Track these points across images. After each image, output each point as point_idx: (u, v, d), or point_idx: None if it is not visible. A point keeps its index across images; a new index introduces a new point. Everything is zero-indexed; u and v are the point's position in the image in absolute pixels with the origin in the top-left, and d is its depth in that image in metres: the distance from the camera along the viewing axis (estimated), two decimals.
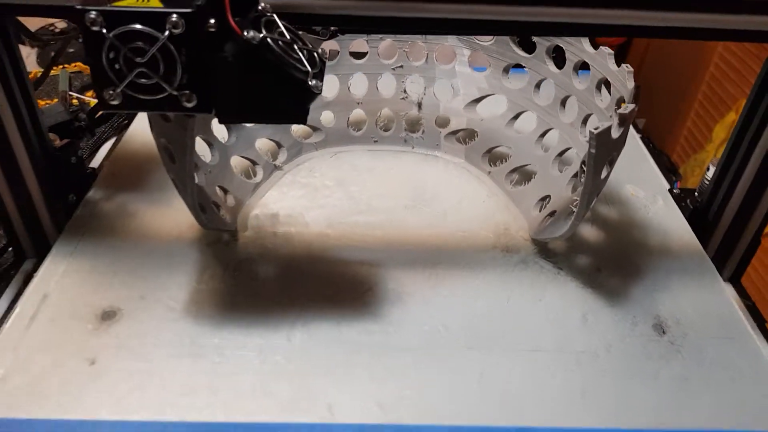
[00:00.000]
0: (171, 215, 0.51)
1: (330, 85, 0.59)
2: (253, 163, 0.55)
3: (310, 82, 0.31)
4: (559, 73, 0.52)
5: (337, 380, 0.39)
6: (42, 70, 0.89)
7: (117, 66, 0.30)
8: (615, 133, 0.39)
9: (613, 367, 0.41)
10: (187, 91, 0.30)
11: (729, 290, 0.52)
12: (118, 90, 0.30)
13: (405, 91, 0.60)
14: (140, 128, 0.63)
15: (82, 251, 0.48)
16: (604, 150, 0.39)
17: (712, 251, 0.54)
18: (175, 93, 0.30)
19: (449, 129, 0.60)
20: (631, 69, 0.44)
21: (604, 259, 0.50)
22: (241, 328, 0.42)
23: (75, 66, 0.91)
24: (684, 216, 0.55)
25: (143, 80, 0.30)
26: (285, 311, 0.44)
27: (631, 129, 0.73)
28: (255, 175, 0.55)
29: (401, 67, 0.59)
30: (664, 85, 1.69)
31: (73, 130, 0.77)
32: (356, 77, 0.59)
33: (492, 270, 0.48)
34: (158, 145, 0.41)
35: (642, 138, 0.73)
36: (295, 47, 0.31)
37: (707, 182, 0.54)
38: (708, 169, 0.55)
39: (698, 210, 0.55)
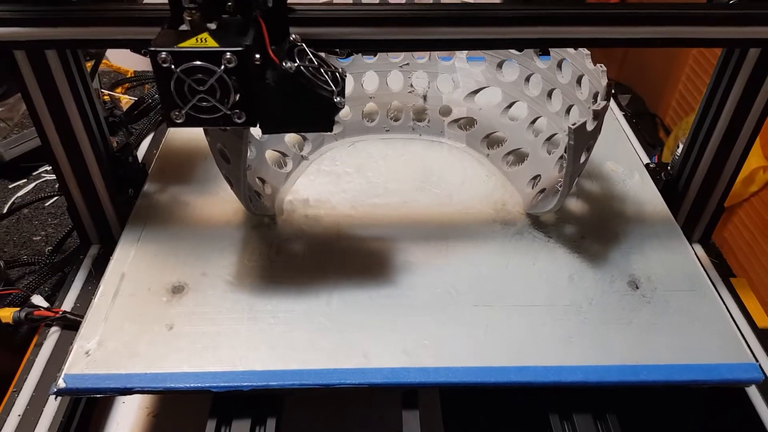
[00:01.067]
0: (217, 203, 0.60)
1: (346, 83, 0.67)
2: (283, 155, 0.63)
3: (335, 99, 0.40)
4: (545, 69, 0.60)
5: (370, 334, 0.48)
6: None
7: (181, 93, 0.37)
8: (590, 126, 0.47)
9: (594, 316, 0.50)
10: (238, 110, 0.38)
11: (699, 250, 0.62)
12: (183, 111, 0.37)
13: (411, 86, 0.68)
14: (177, 131, 0.70)
15: (147, 237, 0.56)
16: (581, 141, 0.48)
17: (683, 217, 0.63)
18: (228, 112, 0.38)
19: (451, 117, 0.68)
20: (605, 68, 0.52)
21: (588, 228, 0.58)
22: (288, 295, 0.51)
23: (102, 63, 0.98)
24: (657, 188, 0.63)
25: (203, 103, 0.37)
26: (322, 280, 0.53)
27: (615, 107, 0.81)
28: (286, 165, 0.63)
29: (407, 64, 0.67)
30: (656, 50, 1.76)
31: (109, 125, 0.85)
32: (368, 75, 0.67)
33: (492, 240, 0.57)
34: (212, 148, 0.50)
35: (625, 115, 0.82)
36: (322, 71, 0.40)
37: (677, 157, 0.62)
38: (678, 146, 0.63)
39: (670, 182, 0.63)
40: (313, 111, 0.41)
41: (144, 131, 0.80)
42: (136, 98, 0.87)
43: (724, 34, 0.46)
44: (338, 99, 0.40)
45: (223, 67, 0.36)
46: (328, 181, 0.63)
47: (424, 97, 0.69)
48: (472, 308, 0.51)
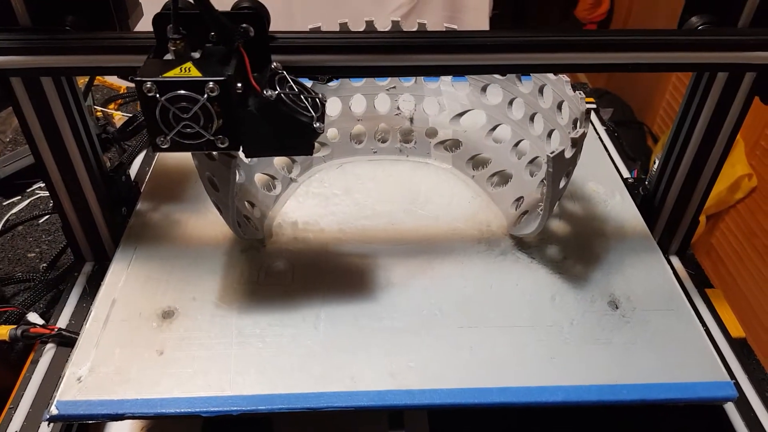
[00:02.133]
0: (208, 224, 0.61)
1: (334, 106, 0.68)
2: (272, 177, 0.65)
3: (314, 125, 0.41)
4: (527, 93, 0.61)
5: (357, 357, 0.50)
6: None
7: (166, 119, 0.38)
8: (568, 154, 0.49)
9: (575, 336, 0.52)
10: (221, 136, 0.39)
11: (676, 262, 0.64)
12: (168, 137, 0.39)
13: (398, 108, 0.70)
14: None
15: (139, 260, 0.57)
16: (560, 168, 0.49)
17: (660, 230, 0.64)
18: (211, 138, 0.39)
19: (437, 139, 0.70)
20: (583, 95, 0.54)
21: (570, 248, 0.60)
22: (276, 319, 0.52)
23: (96, 80, 0.99)
24: (635, 203, 0.65)
25: (187, 129, 0.39)
26: (310, 303, 0.54)
27: (597, 122, 0.83)
28: (275, 188, 0.64)
29: (394, 87, 0.69)
30: None
31: (102, 141, 0.86)
32: (356, 98, 0.69)
33: (478, 261, 0.58)
34: (201, 176, 0.51)
35: (607, 129, 0.83)
36: (302, 97, 0.41)
37: (653, 172, 0.64)
38: (655, 162, 0.64)
39: (647, 197, 0.65)
40: (294, 136, 0.42)
41: (136, 149, 0.81)
42: (129, 114, 0.88)
43: (693, 59, 0.47)
44: (318, 124, 0.42)
45: (206, 95, 0.37)
46: (316, 203, 0.64)
47: (411, 120, 0.70)
48: (457, 329, 0.52)
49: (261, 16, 0.42)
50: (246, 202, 0.59)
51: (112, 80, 1.03)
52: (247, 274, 0.56)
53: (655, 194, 0.64)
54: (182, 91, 0.37)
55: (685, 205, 0.62)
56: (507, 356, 0.50)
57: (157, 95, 0.37)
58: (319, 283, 0.56)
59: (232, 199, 0.50)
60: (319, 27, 0.62)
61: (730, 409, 0.53)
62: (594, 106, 0.90)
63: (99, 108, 0.91)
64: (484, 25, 1.36)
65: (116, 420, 0.47)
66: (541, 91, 0.60)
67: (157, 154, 0.71)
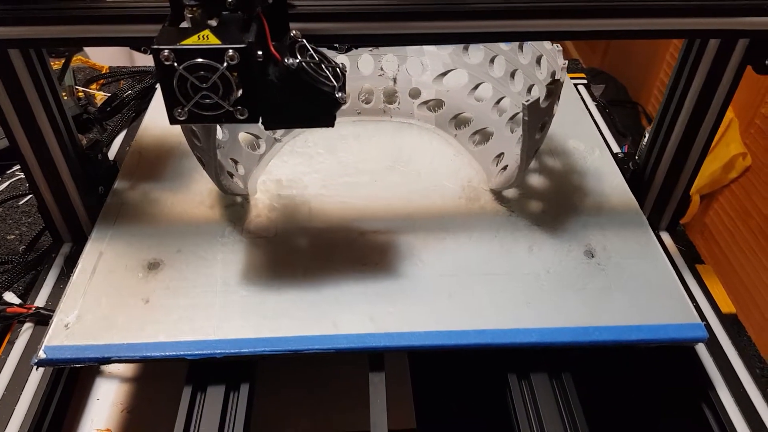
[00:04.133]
0: (191, 195, 0.61)
1: None
2: (257, 137, 0.65)
3: (336, 95, 0.40)
4: (508, 50, 0.62)
5: (339, 304, 0.51)
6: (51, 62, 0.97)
7: (184, 90, 0.37)
8: (543, 104, 0.50)
9: (551, 283, 0.53)
10: (240, 107, 0.38)
11: (666, 238, 0.64)
12: (186, 109, 0.38)
13: (382, 69, 0.70)
14: (150, 125, 0.71)
15: (122, 223, 0.58)
16: (535, 117, 0.50)
17: (650, 206, 0.64)
18: (230, 109, 0.38)
19: (421, 99, 0.71)
20: (560, 48, 0.54)
21: (549, 202, 0.61)
22: (261, 270, 0.54)
23: (77, 60, 0.99)
24: (625, 178, 0.65)
25: (206, 100, 0.38)
26: (293, 255, 0.55)
27: (587, 96, 0.84)
28: (259, 147, 0.65)
29: (377, 48, 0.70)
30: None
31: (83, 122, 0.87)
32: (339, 59, 0.69)
33: (458, 214, 0.60)
34: (183, 129, 0.52)
35: (597, 106, 0.84)
36: (323, 66, 0.41)
37: (643, 147, 0.64)
38: (645, 136, 0.65)
39: (636, 172, 0.65)
40: (315, 107, 0.41)
41: (117, 128, 0.81)
42: (110, 94, 0.88)
43: (684, 25, 0.47)
44: (340, 94, 0.41)
45: (225, 64, 0.36)
46: (300, 161, 0.65)
47: (394, 80, 0.71)
48: (437, 277, 0.53)
49: None
50: (230, 159, 0.60)
51: (95, 60, 1.02)
52: (231, 228, 0.57)
53: (644, 169, 0.64)
54: (201, 60, 0.36)
55: (675, 179, 0.62)
56: (484, 302, 0.51)
57: (175, 64, 0.36)
58: (302, 236, 0.57)
59: (214, 149, 0.51)
60: None
61: (702, 351, 0.55)
62: (585, 81, 0.91)
63: (80, 88, 0.91)
64: None
65: (103, 363, 0.48)
66: (521, 47, 0.61)
67: (137, 132, 0.71)
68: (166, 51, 0.36)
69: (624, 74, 1.90)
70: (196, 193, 0.61)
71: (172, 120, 0.39)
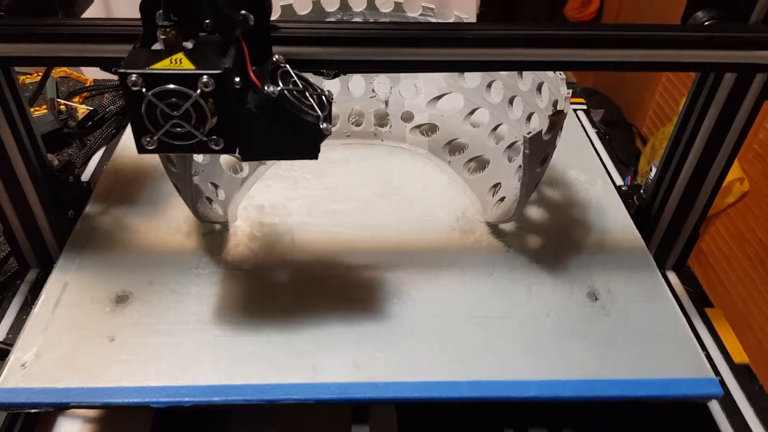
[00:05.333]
0: (166, 222, 0.57)
1: None
2: (239, 159, 0.62)
3: (321, 125, 0.37)
4: (506, 76, 0.59)
5: (319, 346, 0.47)
6: (28, 75, 0.93)
7: (153, 117, 0.34)
8: (546, 136, 0.46)
9: (551, 328, 0.49)
10: (215, 136, 0.35)
11: (672, 277, 0.60)
12: (155, 138, 0.35)
13: (373, 91, 0.67)
14: (128, 145, 0.67)
15: (92, 250, 0.54)
16: (537, 150, 0.47)
17: (656, 243, 0.60)
18: (204, 139, 0.35)
19: (413, 123, 0.67)
20: (564, 76, 0.51)
21: (548, 237, 0.58)
22: (236, 305, 0.50)
23: (61, 71, 0.95)
24: (629, 212, 0.61)
25: (177, 129, 0.34)
26: (272, 289, 0.51)
27: (586, 121, 0.81)
28: (241, 170, 0.62)
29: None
30: None
31: (63, 136, 0.82)
32: (329, 84, 0.66)
33: (451, 248, 0.56)
34: (161, 156, 0.48)
35: (598, 132, 0.80)
36: (307, 94, 0.37)
37: (650, 181, 0.61)
38: (651, 169, 0.61)
39: (642, 207, 0.61)
40: (297, 137, 0.38)
41: (95, 145, 0.76)
42: (92, 108, 0.84)
43: (700, 58, 0.44)
44: (324, 125, 0.37)
45: (199, 91, 0.33)
46: (285, 186, 0.62)
47: (386, 103, 0.67)
48: (427, 319, 0.49)
49: (262, 2, 0.37)
50: (209, 184, 0.56)
51: (80, 72, 0.98)
52: (207, 258, 0.54)
53: (651, 204, 0.60)
54: (172, 86, 0.33)
55: (685, 216, 0.58)
56: (479, 348, 0.48)
57: (144, 89, 0.33)
58: (283, 269, 0.53)
59: (189, 176, 0.47)
60: (291, 4, 0.59)
61: (715, 408, 0.51)
62: (585, 107, 0.87)
63: (62, 101, 0.87)
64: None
65: (60, 409, 0.44)
66: (520, 73, 0.58)
67: (114, 152, 0.67)
68: (133, 75, 0.33)
69: (618, 94, 1.88)
70: (172, 220, 0.57)
71: (141, 149, 0.36)
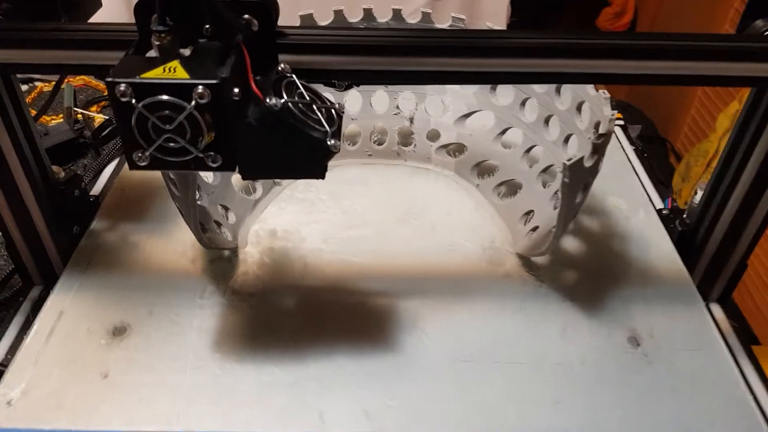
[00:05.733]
0: (173, 244, 0.54)
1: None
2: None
3: (328, 142, 0.33)
4: (543, 93, 0.54)
5: (327, 391, 0.43)
6: (46, 83, 0.92)
7: (145, 131, 0.31)
8: (588, 162, 0.41)
9: (586, 377, 0.44)
10: (212, 153, 0.32)
11: (716, 310, 0.54)
12: (147, 153, 0.31)
13: (398, 107, 0.63)
14: None
15: (93, 273, 0.51)
16: (577, 178, 0.42)
17: (700, 273, 0.55)
18: (200, 155, 0.31)
19: (440, 143, 0.63)
20: (608, 95, 0.46)
21: (585, 272, 0.52)
22: (239, 342, 0.46)
23: (80, 79, 0.93)
24: (672, 239, 0.56)
25: (170, 144, 0.31)
26: (279, 324, 0.47)
27: (623, 138, 0.75)
28: (255, 192, 0.58)
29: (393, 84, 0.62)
30: None
31: (78, 146, 0.80)
32: (351, 94, 0.62)
33: (477, 282, 0.51)
34: (164, 177, 0.44)
35: (635, 150, 0.74)
36: (314, 107, 0.34)
37: (695, 205, 0.55)
38: (696, 192, 0.56)
39: (686, 233, 0.56)
40: (302, 154, 0.35)
41: (107, 157, 0.73)
42: (108, 117, 0.82)
43: (758, 71, 0.39)
44: (333, 141, 0.34)
45: (194, 102, 0.30)
46: (300, 209, 0.58)
47: (411, 120, 0.63)
48: (447, 363, 0.45)
49: (267, 6, 0.34)
50: (219, 206, 0.53)
51: (99, 80, 0.96)
52: (213, 287, 0.50)
53: (696, 230, 0.54)
54: (164, 97, 0.30)
55: (733, 245, 0.52)
56: (503, 399, 0.43)
57: (133, 100, 0.30)
58: (292, 299, 0.49)
59: (193, 200, 0.43)
60: (311, 14, 0.56)
61: None
62: (622, 122, 0.81)
63: (79, 110, 0.85)
64: None
65: None
66: (558, 90, 0.53)
67: (124, 166, 0.64)
68: (122, 85, 0.30)
69: (652, 108, 1.80)
70: (178, 242, 0.54)
71: (132, 165, 0.33)
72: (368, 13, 0.58)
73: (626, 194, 0.61)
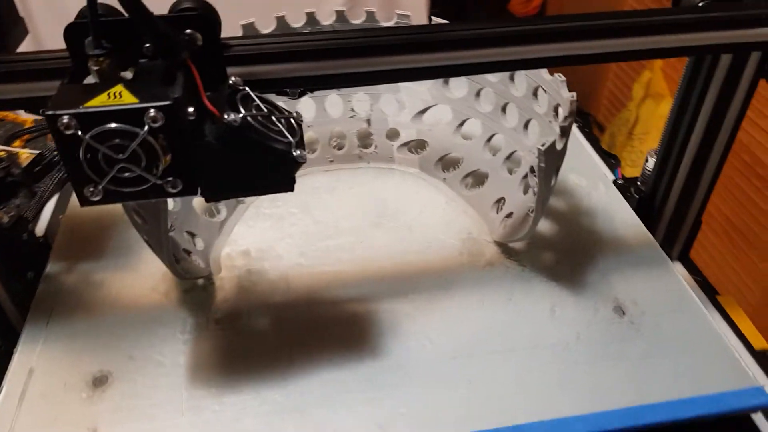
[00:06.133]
0: (140, 279, 0.51)
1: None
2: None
3: (294, 152, 0.32)
4: (497, 82, 0.55)
5: (336, 408, 0.41)
6: None
7: (95, 164, 0.29)
8: (559, 145, 0.42)
9: (584, 354, 0.45)
10: (171, 178, 0.30)
11: (679, 268, 0.57)
12: (99, 187, 0.29)
13: (353, 110, 0.62)
14: None
15: (58, 321, 0.47)
16: (551, 162, 0.42)
17: (661, 235, 0.58)
18: (158, 182, 0.30)
19: (400, 141, 0.62)
20: (564, 79, 0.47)
21: (561, 250, 0.53)
22: (234, 374, 0.44)
23: None
24: (630, 206, 0.58)
25: (125, 174, 0.29)
26: (273, 348, 0.45)
27: None
28: (219, 213, 0.55)
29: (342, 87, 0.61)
30: None
31: (7, 186, 0.74)
32: (303, 101, 0.60)
33: (462, 276, 0.51)
34: (126, 208, 0.42)
35: (579, 127, 0.76)
36: (273, 118, 0.32)
37: (648, 172, 0.58)
38: (647, 160, 0.58)
39: (643, 199, 0.59)
40: (268, 169, 0.33)
41: (46, 194, 0.68)
42: (37, 152, 0.76)
43: (699, 41, 0.41)
44: (298, 152, 0.33)
45: (146, 127, 0.28)
46: (270, 225, 0.56)
47: (368, 121, 0.62)
48: (450, 361, 0.44)
49: (210, 18, 0.32)
50: (185, 233, 0.50)
51: (16, 113, 0.90)
52: (193, 320, 0.47)
53: (653, 196, 0.57)
54: (114, 125, 0.28)
55: (688, 205, 0.56)
56: (510, 388, 0.43)
57: (79, 132, 0.28)
58: (281, 321, 0.47)
59: (165, 232, 0.41)
60: (252, 23, 0.54)
61: (759, 419, 0.47)
62: None
63: (1, 147, 0.79)
64: (423, 22, 1.30)
65: None
66: (512, 77, 0.54)
67: (70, 200, 0.60)
68: (65, 117, 0.28)
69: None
70: (146, 276, 0.51)
71: (84, 202, 0.31)
72: (311, 18, 0.56)
73: (583, 170, 0.62)
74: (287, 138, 0.32)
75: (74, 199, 0.60)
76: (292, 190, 0.34)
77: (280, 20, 0.55)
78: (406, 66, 0.39)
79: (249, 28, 0.54)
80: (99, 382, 0.43)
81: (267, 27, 0.55)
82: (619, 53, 0.42)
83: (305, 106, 0.60)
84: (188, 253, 0.49)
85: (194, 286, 0.50)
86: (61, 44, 0.32)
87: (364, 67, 0.38)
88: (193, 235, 0.51)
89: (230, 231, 0.55)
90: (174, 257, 0.45)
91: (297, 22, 0.56)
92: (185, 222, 0.51)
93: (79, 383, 0.43)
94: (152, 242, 0.43)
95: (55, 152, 0.72)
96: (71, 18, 0.31)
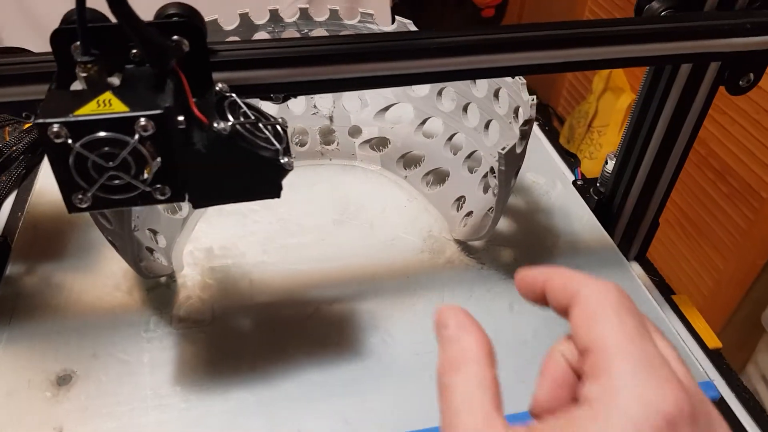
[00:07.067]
0: (102, 278, 0.50)
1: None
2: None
3: (281, 160, 0.32)
4: (459, 83, 0.56)
5: (302, 404, 0.42)
6: None
7: (84, 171, 0.29)
8: (518, 149, 0.44)
9: (540, 350, 0.47)
10: (160, 185, 0.30)
11: (636, 268, 0.60)
12: (89, 194, 0.29)
13: (315, 107, 0.62)
14: (46, 189, 0.59)
15: (20, 322, 0.47)
16: (512, 164, 0.44)
17: (619, 236, 0.60)
18: (147, 189, 0.30)
19: (362, 138, 0.63)
20: (524, 81, 0.48)
21: (519, 248, 0.55)
22: (199, 370, 0.44)
23: None
24: (589, 207, 0.61)
25: (114, 181, 0.29)
26: (237, 345, 0.46)
27: None
28: (180, 210, 0.55)
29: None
30: None
31: None
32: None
33: (423, 272, 0.53)
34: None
35: (539, 124, 0.79)
36: (260, 126, 0.33)
37: (608, 174, 0.60)
38: (606, 162, 0.60)
39: (602, 201, 0.61)
40: (256, 176, 0.33)
41: (4, 192, 0.67)
42: None
43: (660, 51, 0.42)
44: (285, 159, 0.33)
45: (137, 136, 0.28)
46: (232, 223, 0.56)
47: (331, 118, 0.63)
48: (413, 357, 0.46)
49: (197, 25, 0.32)
50: (147, 231, 0.50)
51: (14, 117, 0.86)
52: (157, 318, 0.47)
53: (612, 198, 0.59)
54: (104, 133, 0.28)
55: (646, 207, 0.58)
56: None
57: (70, 141, 0.28)
58: (245, 317, 0.48)
59: (129, 231, 0.41)
60: (216, 19, 0.54)
61: None
62: None
63: None
64: (386, 14, 1.31)
65: None
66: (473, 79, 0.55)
67: (29, 200, 0.59)
68: (55, 126, 0.27)
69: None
70: (108, 275, 0.51)
71: (72, 209, 0.30)
72: (274, 15, 0.57)
73: (541, 169, 0.64)
74: (275, 145, 0.33)
75: (34, 196, 0.59)
76: (278, 196, 0.34)
77: (243, 17, 0.55)
78: (394, 72, 0.39)
79: (213, 24, 0.54)
80: (63, 380, 0.43)
81: (230, 23, 0.54)
82: (582, 62, 0.42)
83: (267, 104, 0.60)
84: (151, 251, 0.49)
85: (157, 284, 0.50)
86: (25, 46, 0.31)
87: (350, 73, 0.38)
88: (155, 232, 0.51)
89: (192, 228, 0.55)
90: (138, 256, 0.45)
91: (260, 19, 0.56)
92: (147, 219, 0.50)
93: (44, 382, 0.43)
94: (116, 243, 0.43)
95: (13, 148, 0.70)
96: (37, 21, 0.30)
